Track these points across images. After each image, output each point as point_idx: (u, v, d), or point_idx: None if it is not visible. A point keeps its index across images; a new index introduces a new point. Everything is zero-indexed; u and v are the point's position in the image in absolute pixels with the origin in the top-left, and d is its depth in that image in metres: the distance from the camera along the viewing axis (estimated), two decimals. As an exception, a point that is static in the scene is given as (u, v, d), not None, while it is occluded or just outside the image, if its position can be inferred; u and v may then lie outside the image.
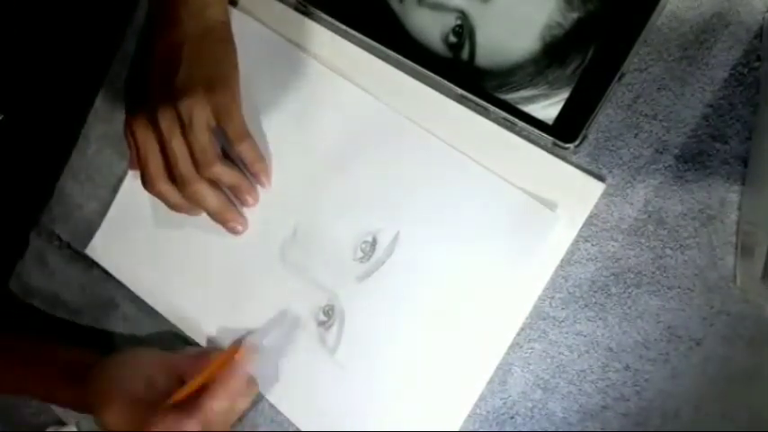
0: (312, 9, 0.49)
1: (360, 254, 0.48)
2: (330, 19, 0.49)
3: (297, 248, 0.50)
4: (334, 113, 0.49)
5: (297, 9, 0.50)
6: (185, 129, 0.46)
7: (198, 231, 0.52)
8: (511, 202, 0.45)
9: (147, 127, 0.47)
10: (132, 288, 0.55)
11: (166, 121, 0.46)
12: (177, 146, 0.46)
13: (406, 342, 0.47)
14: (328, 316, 0.49)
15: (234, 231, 0.51)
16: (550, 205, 0.44)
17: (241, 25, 0.50)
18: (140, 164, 0.48)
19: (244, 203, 0.51)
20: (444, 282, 0.46)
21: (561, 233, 0.44)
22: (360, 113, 0.48)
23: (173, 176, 0.48)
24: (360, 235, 0.48)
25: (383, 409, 0.48)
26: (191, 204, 0.49)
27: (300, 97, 0.50)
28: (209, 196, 0.48)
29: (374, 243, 0.48)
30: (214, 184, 0.49)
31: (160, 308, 0.55)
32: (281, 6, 0.51)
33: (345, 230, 0.48)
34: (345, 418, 0.49)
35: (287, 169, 0.50)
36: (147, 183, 0.49)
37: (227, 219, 0.50)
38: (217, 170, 0.48)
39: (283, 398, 0.51)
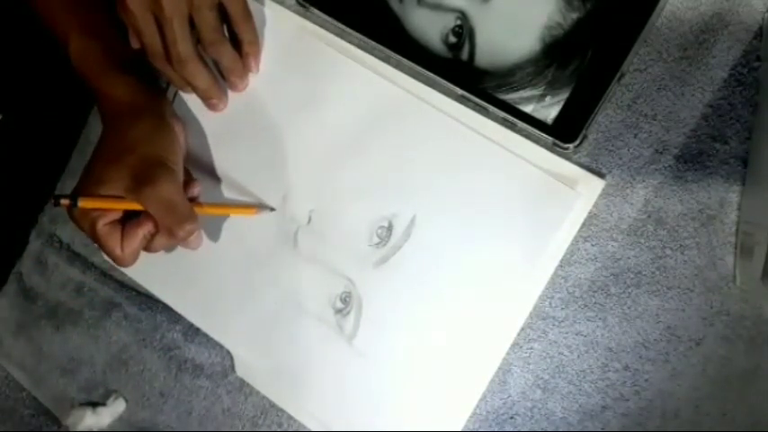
0: (312, 9, 0.49)
1: (376, 239, 0.48)
2: (330, 19, 0.49)
3: (312, 235, 0.50)
4: (349, 98, 0.49)
5: (297, 10, 0.50)
6: (192, 8, 0.46)
7: (211, 220, 0.52)
8: (530, 181, 0.44)
9: (144, 4, 0.46)
10: (139, 280, 0.55)
11: (171, 1, 0.46)
12: (180, 24, 0.46)
13: (422, 327, 0.47)
14: (345, 303, 0.49)
15: (215, 109, 0.51)
16: (571, 183, 0.44)
17: (263, 10, 0.50)
18: (143, 42, 0.47)
19: (233, 88, 0.51)
20: (462, 265, 0.46)
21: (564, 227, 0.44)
22: (374, 97, 0.48)
23: (169, 54, 0.47)
24: (376, 220, 0.48)
25: (399, 395, 0.48)
26: (183, 81, 0.49)
27: (314, 83, 0.50)
28: (201, 74, 0.49)
29: (390, 228, 0.47)
30: (203, 62, 0.49)
31: (170, 300, 0.54)
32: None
33: (361, 216, 0.48)
34: (361, 404, 0.49)
35: (302, 156, 0.50)
36: (152, 59, 0.48)
37: (212, 96, 0.50)
38: (224, 49, 0.48)
39: (301, 384, 0.51)
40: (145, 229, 0.46)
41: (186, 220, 0.46)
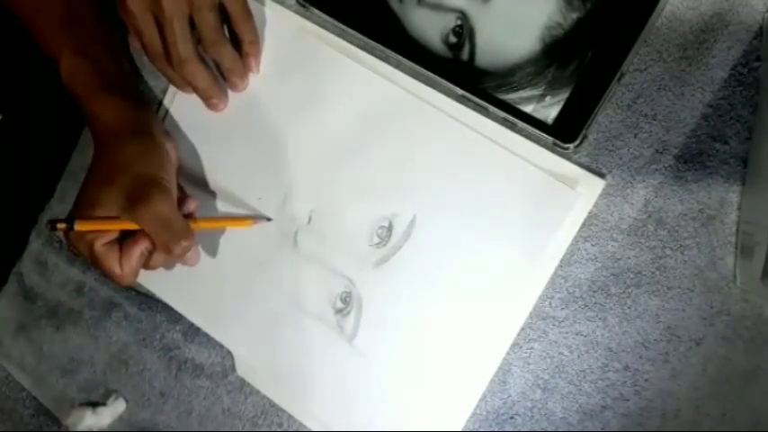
0: (312, 9, 0.49)
1: (376, 239, 0.48)
2: (330, 19, 0.49)
3: (313, 235, 0.50)
4: (349, 98, 0.49)
5: (297, 10, 0.50)
6: (192, 8, 0.46)
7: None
8: (530, 181, 0.44)
9: (144, 4, 0.46)
10: (139, 280, 0.55)
11: (171, 1, 0.46)
12: (180, 25, 0.46)
13: (422, 327, 0.47)
14: (345, 303, 0.49)
15: (215, 109, 0.51)
16: (571, 183, 0.44)
17: (263, 10, 0.51)
18: (144, 42, 0.48)
19: (234, 88, 0.51)
20: (462, 265, 0.46)
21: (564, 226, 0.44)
22: (373, 97, 0.48)
23: (169, 55, 0.47)
24: (376, 220, 0.48)
25: (399, 395, 0.48)
26: (183, 81, 0.49)
27: (314, 83, 0.50)
28: (201, 74, 0.49)
29: (390, 228, 0.47)
30: (203, 62, 0.49)
31: (170, 299, 0.54)
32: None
33: (361, 216, 0.48)
34: (361, 404, 0.49)
35: (302, 156, 0.50)
36: (152, 59, 0.49)
37: (212, 96, 0.50)
38: (225, 49, 0.48)
39: (302, 384, 0.51)
40: (142, 246, 0.46)
41: (182, 236, 0.46)
